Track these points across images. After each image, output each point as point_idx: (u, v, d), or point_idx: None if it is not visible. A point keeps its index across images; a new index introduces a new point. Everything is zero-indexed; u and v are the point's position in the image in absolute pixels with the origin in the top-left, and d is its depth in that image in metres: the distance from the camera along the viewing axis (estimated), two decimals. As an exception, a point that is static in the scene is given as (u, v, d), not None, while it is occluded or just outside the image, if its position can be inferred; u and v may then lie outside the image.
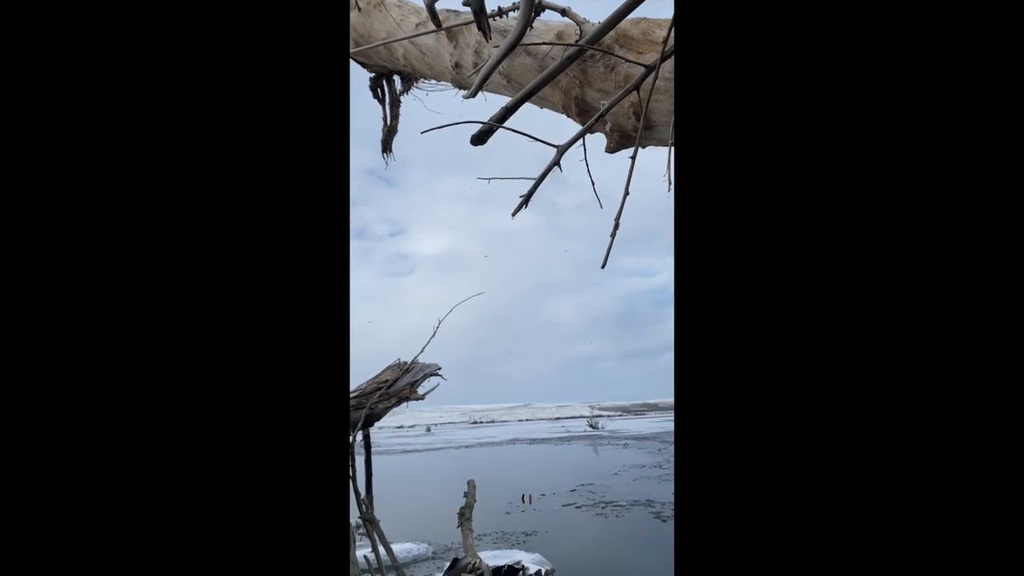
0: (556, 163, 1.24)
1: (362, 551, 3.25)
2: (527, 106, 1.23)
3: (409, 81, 2.58)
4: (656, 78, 1.33)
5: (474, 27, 1.75)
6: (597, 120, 1.40)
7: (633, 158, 1.26)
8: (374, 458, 3.45)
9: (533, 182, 1.25)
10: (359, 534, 3.46)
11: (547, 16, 1.76)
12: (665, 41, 1.30)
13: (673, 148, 1.23)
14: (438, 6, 1.72)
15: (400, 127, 2.72)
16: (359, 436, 3.25)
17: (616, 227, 1.17)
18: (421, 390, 3.42)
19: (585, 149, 1.32)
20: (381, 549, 3.23)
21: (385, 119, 2.70)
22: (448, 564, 3.43)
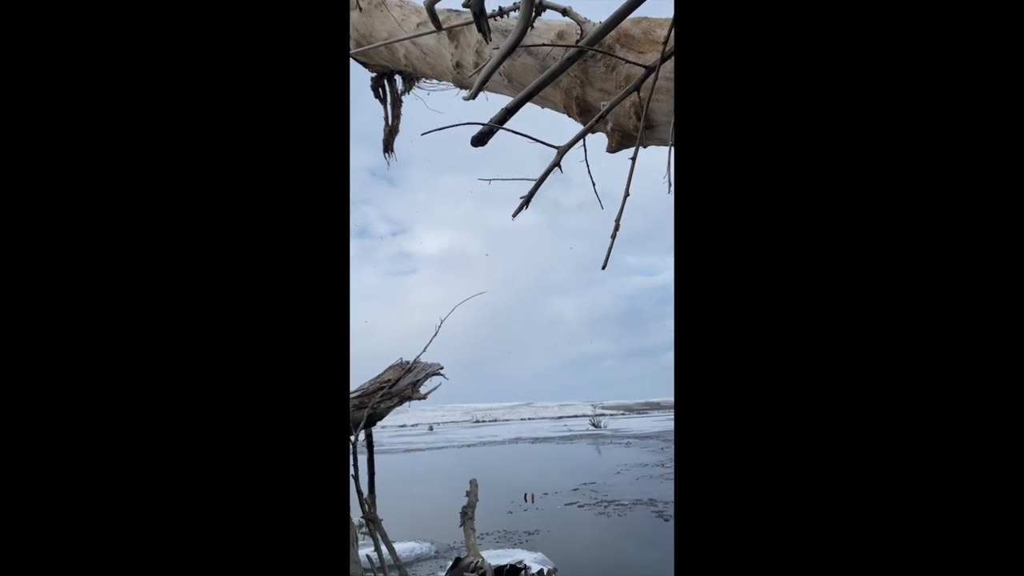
0: (556, 164, 1.23)
1: (364, 550, 3.25)
2: (528, 106, 1.23)
3: (410, 81, 2.59)
4: (657, 78, 1.33)
5: (475, 27, 1.75)
6: (598, 120, 1.40)
7: (634, 158, 1.26)
8: (377, 457, 3.45)
9: (534, 183, 1.24)
10: (362, 533, 3.47)
11: (548, 16, 1.76)
12: (665, 41, 1.30)
13: (673, 148, 1.23)
14: (439, 6, 1.72)
15: (402, 127, 2.73)
16: (362, 435, 3.26)
17: (616, 228, 1.17)
18: (423, 389, 3.42)
19: (586, 149, 1.32)
20: (383, 548, 3.24)
21: (386, 119, 2.70)
22: (451, 563, 3.43)
